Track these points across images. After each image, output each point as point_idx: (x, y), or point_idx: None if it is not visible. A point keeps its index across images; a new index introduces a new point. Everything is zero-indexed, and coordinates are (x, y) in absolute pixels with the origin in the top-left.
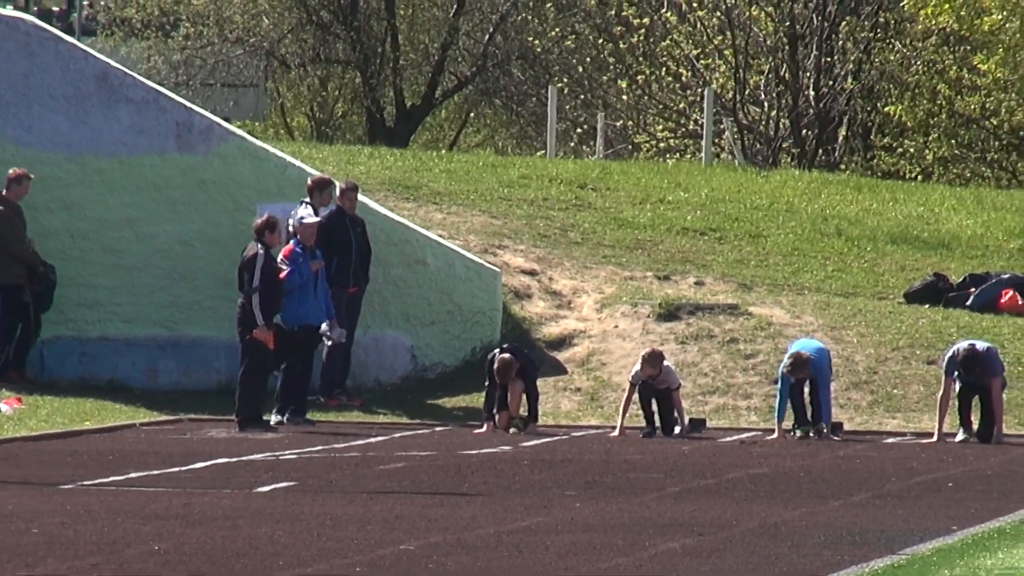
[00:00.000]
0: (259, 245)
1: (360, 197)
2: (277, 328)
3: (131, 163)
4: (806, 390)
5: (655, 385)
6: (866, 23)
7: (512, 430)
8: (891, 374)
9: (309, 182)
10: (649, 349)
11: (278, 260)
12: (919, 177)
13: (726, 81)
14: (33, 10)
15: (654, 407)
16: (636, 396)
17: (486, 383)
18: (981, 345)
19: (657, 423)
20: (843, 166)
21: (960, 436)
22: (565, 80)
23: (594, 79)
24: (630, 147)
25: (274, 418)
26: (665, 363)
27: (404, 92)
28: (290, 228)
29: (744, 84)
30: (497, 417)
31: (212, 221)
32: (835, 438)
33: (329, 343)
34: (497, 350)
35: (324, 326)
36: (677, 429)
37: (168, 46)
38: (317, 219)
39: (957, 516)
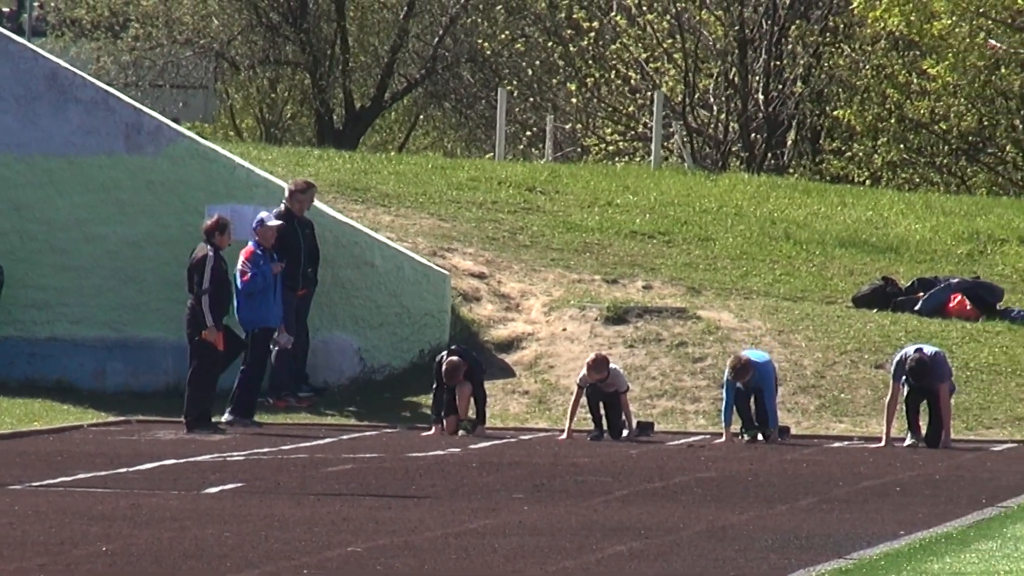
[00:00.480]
0: (209, 247)
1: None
2: (226, 329)
3: (80, 164)
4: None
5: (603, 388)
6: (815, 27)
7: (460, 433)
8: (839, 378)
9: (291, 185)
10: (594, 354)
11: (239, 263)
12: (868, 181)
13: (675, 84)
14: None
15: (601, 410)
16: (584, 399)
17: (434, 385)
18: (929, 350)
19: (605, 426)
20: (792, 170)
21: (908, 441)
22: (515, 83)
23: (543, 82)
24: (579, 150)
25: (224, 416)
26: (612, 366)
27: (353, 94)
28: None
29: (693, 88)
30: (445, 421)
31: (161, 222)
32: (781, 441)
33: (275, 348)
34: (445, 352)
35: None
36: (625, 432)
37: (117, 47)
38: (279, 222)
39: (904, 520)
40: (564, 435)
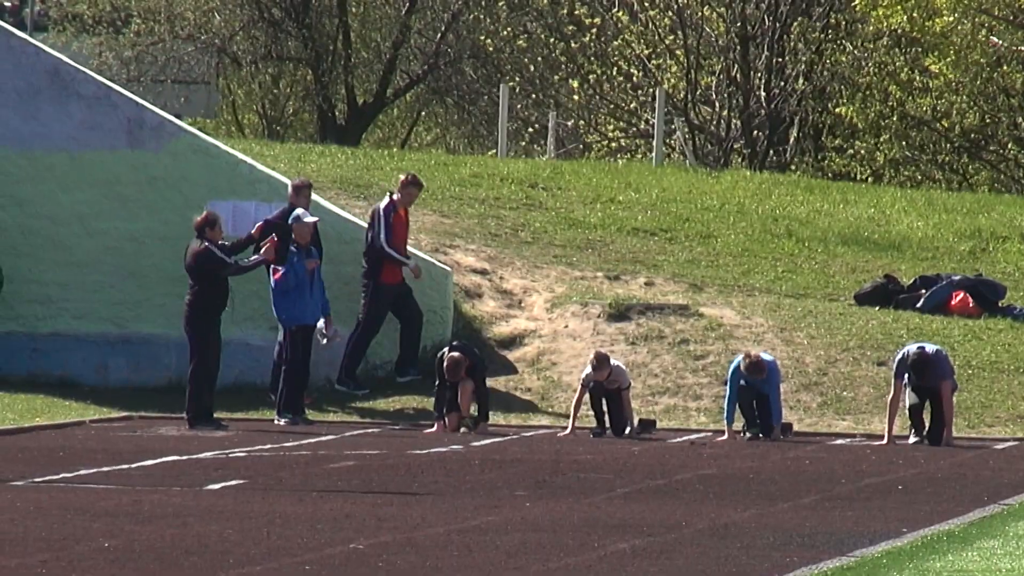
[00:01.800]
0: (200, 242)
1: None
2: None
3: (82, 159)
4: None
5: (606, 385)
6: (817, 24)
7: (462, 430)
8: (841, 376)
9: (294, 183)
10: (595, 353)
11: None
12: (870, 179)
13: (677, 81)
14: None
15: (604, 407)
16: (587, 396)
17: (436, 382)
18: (931, 348)
19: (607, 423)
20: (794, 167)
21: (912, 439)
22: (517, 79)
23: (546, 78)
24: (581, 147)
25: (280, 421)
26: (615, 363)
27: (356, 90)
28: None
29: (695, 84)
30: (447, 418)
31: (163, 218)
32: (784, 439)
33: (324, 341)
34: (446, 348)
35: (320, 323)
36: (627, 430)
37: (119, 42)
38: (314, 218)
39: (907, 518)
40: (567, 432)
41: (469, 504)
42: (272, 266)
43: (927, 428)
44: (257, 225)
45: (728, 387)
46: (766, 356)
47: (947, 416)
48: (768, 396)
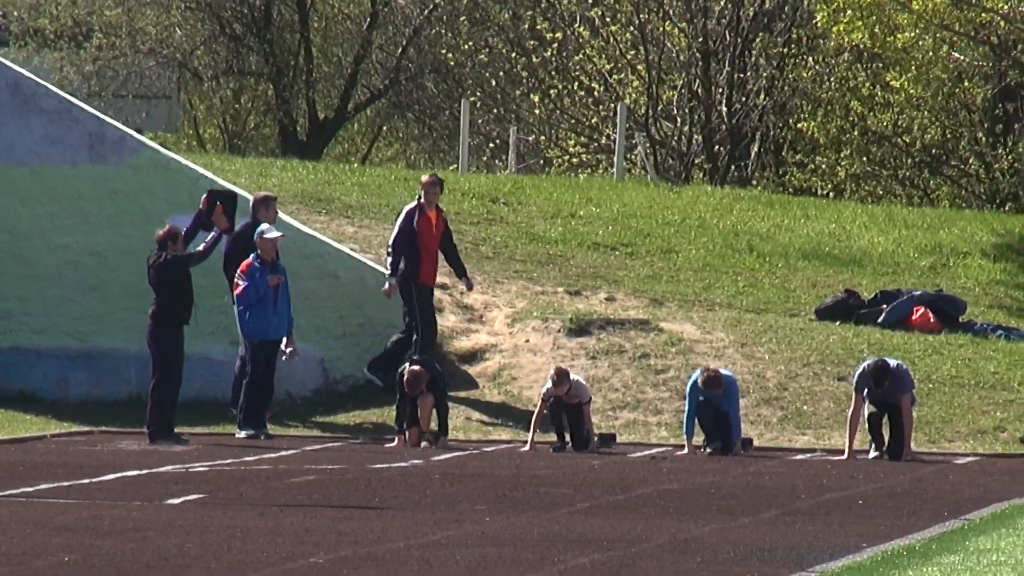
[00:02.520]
0: (159, 254)
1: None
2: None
3: (43, 173)
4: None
5: (566, 400)
6: (779, 39)
7: (423, 444)
8: (801, 390)
9: (255, 198)
10: (555, 368)
11: (235, 274)
12: (831, 194)
13: (639, 96)
14: None
15: (564, 421)
16: (547, 411)
17: (397, 397)
18: (892, 362)
19: (567, 438)
20: (755, 182)
21: (872, 453)
22: (478, 94)
23: (507, 93)
24: (542, 162)
25: (240, 434)
26: (575, 377)
27: (317, 105)
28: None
29: (657, 99)
30: (408, 433)
31: (123, 232)
32: (744, 453)
33: (284, 358)
34: (407, 362)
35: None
36: (588, 444)
37: (81, 57)
38: (278, 234)
39: (867, 533)
40: (527, 447)
41: (429, 518)
42: (234, 280)
43: (887, 443)
44: (203, 198)
45: (687, 402)
46: (724, 371)
47: (907, 430)
48: (728, 413)
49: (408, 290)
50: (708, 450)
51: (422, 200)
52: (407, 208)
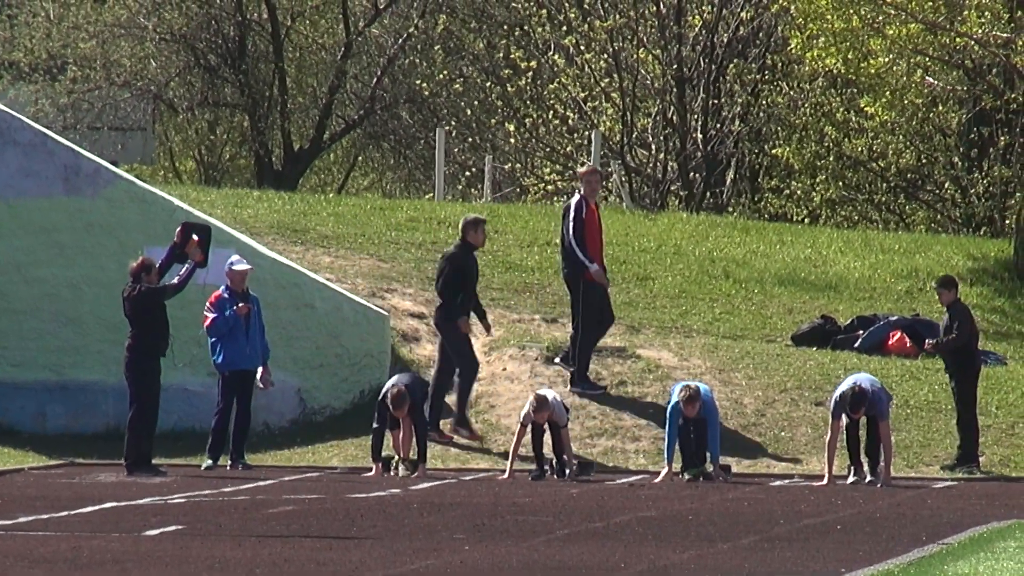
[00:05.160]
0: (134, 287)
1: (248, 240)
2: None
3: (18, 206)
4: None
5: (543, 425)
6: (753, 65)
7: (401, 473)
8: (779, 416)
9: (465, 220)
10: (534, 395)
11: (205, 307)
12: (806, 219)
13: (613, 124)
14: None
15: (545, 449)
16: (528, 438)
17: (374, 424)
18: (867, 382)
19: (547, 466)
20: (731, 208)
21: (852, 478)
22: (453, 123)
23: (482, 122)
24: (518, 190)
25: (205, 464)
26: (553, 399)
27: (292, 135)
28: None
29: (631, 127)
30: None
31: (99, 264)
32: (723, 480)
33: (261, 387)
34: (390, 382)
35: (259, 372)
36: (567, 471)
37: (56, 89)
38: (247, 266)
39: (845, 558)
40: (506, 475)
41: (408, 548)
42: (203, 311)
43: (866, 464)
44: (177, 230)
45: (668, 424)
46: (702, 387)
47: (887, 453)
48: (707, 424)
49: (577, 283)
50: (686, 476)
51: (583, 192)
52: (573, 202)
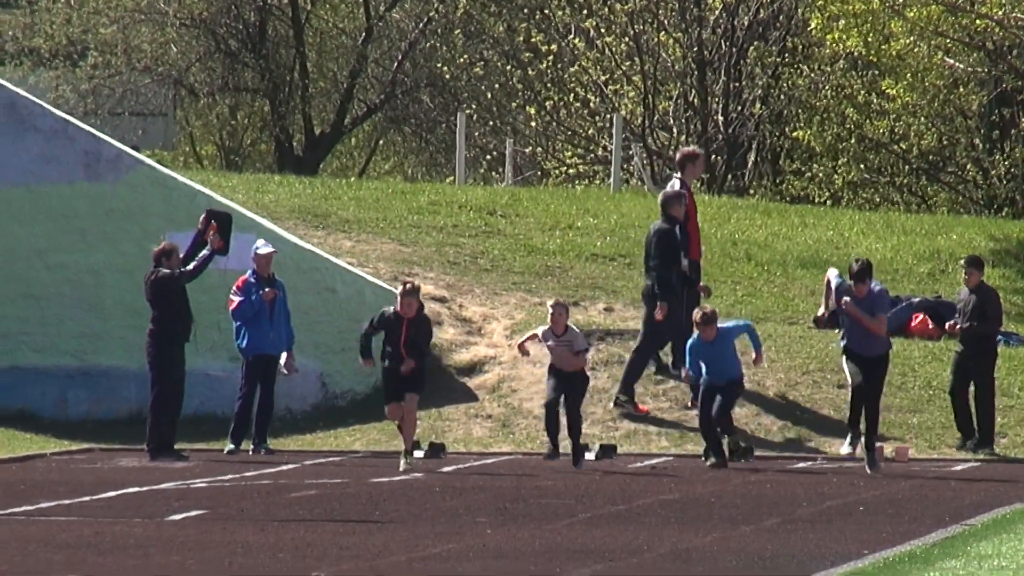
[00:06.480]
0: (154, 271)
1: (269, 225)
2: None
3: (40, 192)
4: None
5: (563, 360)
6: (774, 48)
7: (409, 464)
8: (801, 398)
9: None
10: (553, 302)
11: (231, 290)
12: (828, 202)
13: (635, 107)
14: None
15: (562, 430)
16: (544, 415)
17: (369, 324)
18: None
19: (562, 448)
20: (752, 191)
21: (846, 448)
22: (474, 107)
23: (503, 106)
24: (539, 173)
25: (229, 446)
26: (569, 324)
27: (313, 120)
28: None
29: (653, 110)
30: (388, 408)
31: (121, 250)
32: (744, 462)
33: (286, 373)
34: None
35: (283, 357)
36: (588, 455)
37: (76, 75)
38: (271, 249)
39: (868, 540)
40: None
41: (430, 532)
42: (229, 295)
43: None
44: (201, 217)
45: (687, 358)
46: (742, 321)
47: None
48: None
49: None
50: (709, 461)
51: (681, 176)
52: (676, 188)
